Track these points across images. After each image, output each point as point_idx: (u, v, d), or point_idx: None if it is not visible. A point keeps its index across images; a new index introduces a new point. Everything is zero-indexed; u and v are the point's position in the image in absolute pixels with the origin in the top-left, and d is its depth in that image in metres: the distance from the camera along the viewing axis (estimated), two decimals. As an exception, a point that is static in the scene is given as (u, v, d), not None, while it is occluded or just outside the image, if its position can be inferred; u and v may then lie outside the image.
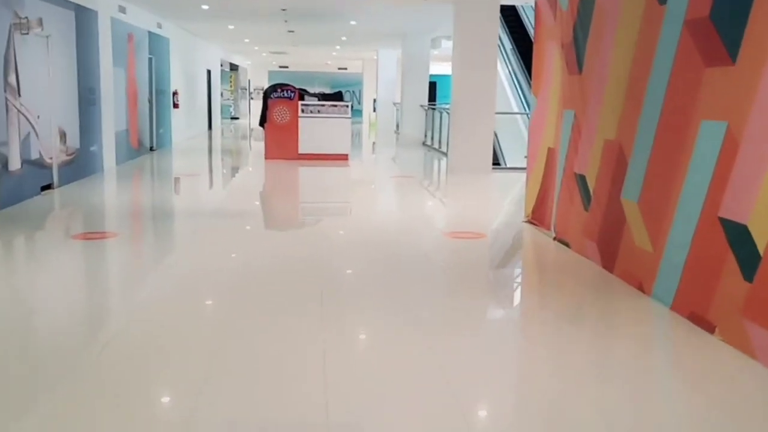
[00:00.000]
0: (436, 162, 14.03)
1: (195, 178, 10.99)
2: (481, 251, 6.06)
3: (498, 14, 11.11)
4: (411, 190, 9.82)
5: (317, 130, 12.90)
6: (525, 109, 15.34)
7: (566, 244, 5.79)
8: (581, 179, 5.51)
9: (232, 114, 30.28)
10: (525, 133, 14.18)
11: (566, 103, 5.87)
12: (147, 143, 13.99)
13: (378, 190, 10.04)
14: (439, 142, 15.55)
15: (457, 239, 6.19)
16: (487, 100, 11.04)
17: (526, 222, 6.91)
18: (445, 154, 14.36)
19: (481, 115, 11.00)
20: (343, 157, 12.98)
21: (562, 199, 5.95)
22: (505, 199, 9.30)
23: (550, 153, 6.39)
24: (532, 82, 6.92)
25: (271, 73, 33.66)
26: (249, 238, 6.32)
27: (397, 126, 22.69)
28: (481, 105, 10.99)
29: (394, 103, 23.12)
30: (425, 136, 17.42)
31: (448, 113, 15.45)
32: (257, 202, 8.69)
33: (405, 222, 7.22)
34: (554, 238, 6.06)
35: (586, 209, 5.42)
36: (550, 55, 6.39)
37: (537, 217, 6.70)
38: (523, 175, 11.62)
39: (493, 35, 11.05)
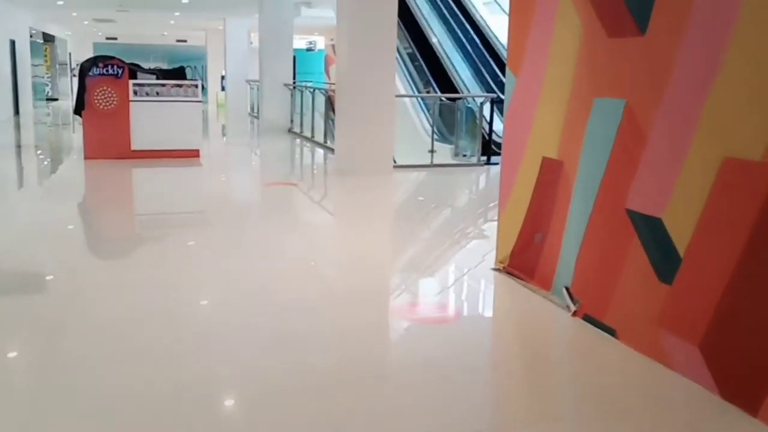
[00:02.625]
0: (314, 158, 11.28)
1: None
2: (483, 361, 3.53)
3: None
4: (303, 211, 7.03)
5: (157, 118, 9.72)
6: (413, 91, 13.01)
7: (608, 331, 3.40)
8: (649, 224, 3.12)
9: (49, 94, 25.54)
10: (418, 122, 11.88)
11: (601, 87, 3.44)
12: None
13: (254, 213, 6.86)
14: (312, 129, 12.83)
15: (418, 324, 3.62)
16: (385, 81, 8.48)
17: (497, 271, 4.48)
18: (322, 146, 11.70)
19: (378, 100, 8.43)
20: (194, 154, 9.92)
21: (590, 251, 3.54)
22: (439, 221, 6.75)
23: (549, 167, 3.97)
24: (507, 53, 4.44)
25: (97, 46, 28.95)
26: (28, 343, 3.36)
27: (252, 107, 19.62)
28: (377, 87, 8.41)
29: (248, 81, 19.98)
30: (291, 121, 14.61)
31: (322, 93, 12.77)
32: (57, 250, 5.51)
33: (316, 281, 4.45)
34: (575, 313, 3.66)
35: (663, 280, 3.04)
36: (544, 8, 3.95)
37: (519, 265, 4.29)
38: (429, 175, 9.30)
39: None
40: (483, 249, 5.05)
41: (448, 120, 11.22)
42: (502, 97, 4.68)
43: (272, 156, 11.60)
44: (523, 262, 4.28)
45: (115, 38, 29.96)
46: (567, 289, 3.75)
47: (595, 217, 3.51)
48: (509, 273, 4.37)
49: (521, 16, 4.17)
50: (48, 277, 4.32)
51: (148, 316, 3.63)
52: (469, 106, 10.62)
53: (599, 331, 3.45)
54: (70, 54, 30.16)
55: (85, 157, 9.52)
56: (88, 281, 4.29)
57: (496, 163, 9.81)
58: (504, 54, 13.83)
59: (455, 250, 5.44)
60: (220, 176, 9.37)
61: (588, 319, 3.56)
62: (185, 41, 30.93)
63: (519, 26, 4.23)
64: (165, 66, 20.31)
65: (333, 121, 12.35)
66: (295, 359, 3.10)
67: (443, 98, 11.01)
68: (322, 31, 26.53)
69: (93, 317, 3.62)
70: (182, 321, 3.58)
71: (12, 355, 3.21)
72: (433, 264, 5.03)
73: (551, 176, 3.98)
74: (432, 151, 9.41)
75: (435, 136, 11.16)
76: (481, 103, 9.61)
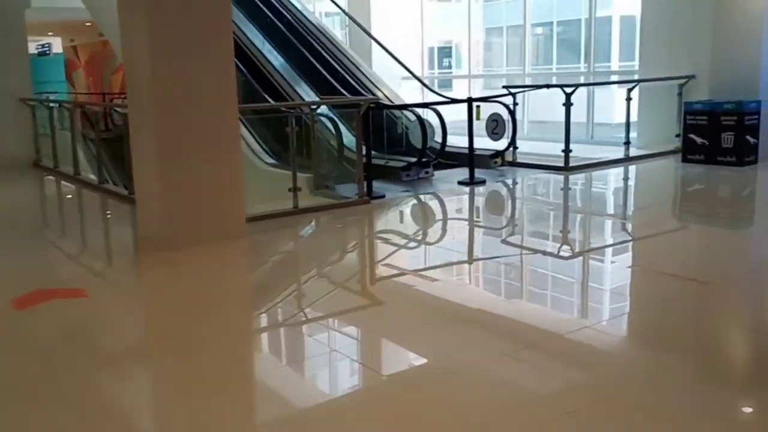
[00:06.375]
0: (95, 216, 7.18)
1: None
2: None
3: None
4: (135, 376, 3.25)
5: None
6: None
7: None
8: None
9: None
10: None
11: None
12: None
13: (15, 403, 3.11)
14: (74, 161, 8.65)
15: None
16: (221, 86, 4.95)
17: None
18: (99, 188, 7.73)
19: (212, 117, 4.91)
20: None
21: None
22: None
23: None
24: None
25: None
26: None
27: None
28: (208, 97, 4.87)
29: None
30: (37, 151, 10.15)
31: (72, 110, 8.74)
32: None
33: None
34: None
35: None
36: None
37: None
38: (312, 230, 5.52)
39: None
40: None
41: (284, 135, 7.78)
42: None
43: (20, 222, 6.81)
44: None
45: None
46: None
47: None
48: None
49: None
50: None
51: None
52: (327, 114, 7.41)
53: None
54: None
55: None
56: None
57: (381, 196, 6.81)
58: (319, 35, 10.77)
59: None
60: None
61: None
62: None
63: None
64: None
65: (93, 143, 8.44)
66: None
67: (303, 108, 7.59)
68: (59, 29, 21.29)
69: None
70: None
71: None
72: None
73: None
74: (295, 190, 6.01)
75: (271, 160, 7.79)
76: (361, 111, 6.42)
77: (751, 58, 7.64)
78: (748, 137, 7.48)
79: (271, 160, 7.71)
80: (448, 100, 8.24)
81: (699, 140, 7.74)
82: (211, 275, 4.42)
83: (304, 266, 4.92)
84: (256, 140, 7.93)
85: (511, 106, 8.23)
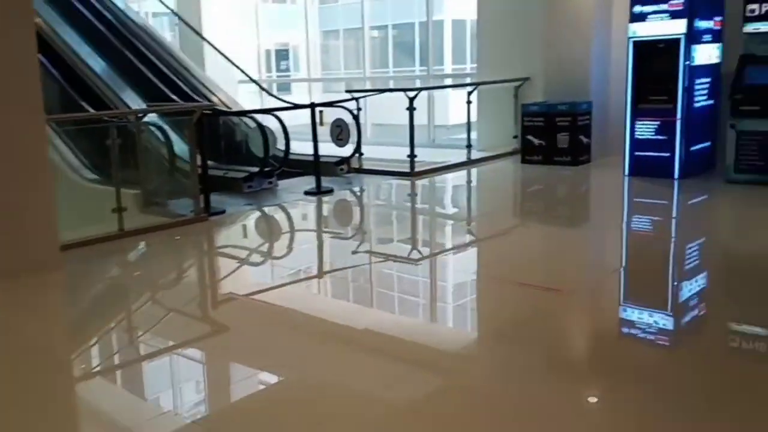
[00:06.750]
0: None
1: None
2: None
3: None
4: None
5: None
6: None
7: None
8: None
9: None
10: (53, 153, 7.38)
11: None
12: None
13: None
14: None
15: None
16: (22, 91, 4.24)
17: None
18: None
19: (16, 134, 4.18)
20: None
21: None
22: None
23: None
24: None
25: None
26: None
27: None
28: (7, 110, 4.15)
29: None
30: None
31: None
32: None
33: None
34: None
35: None
36: None
37: None
38: (144, 254, 4.86)
39: None
40: None
41: (103, 146, 6.92)
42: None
43: None
44: None
45: None
46: None
47: None
48: None
49: None
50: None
51: None
52: (156, 123, 6.73)
53: None
54: None
55: None
56: None
57: (221, 212, 6.26)
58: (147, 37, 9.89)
59: None
60: None
61: None
62: None
63: None
64: None
65: None
66: None
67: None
68: None
69: None
70: None
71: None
72: None
73: None
74: (120, 210, 5.32)
75: (93, 175, 6.96)
76: (194, 119, 5.84)
77: (581, 60, 7.92)
78: (581, 137, 7.75)
79: (93, 176, 6.90)
80: (291, 105, 7.81)
81: (536, 141, 7.92)
82: (11, 318, 3.72)
83: (132, 298, 4.31)
84: (74, 153, 7.06)
85: (355, 111, 8.00)
